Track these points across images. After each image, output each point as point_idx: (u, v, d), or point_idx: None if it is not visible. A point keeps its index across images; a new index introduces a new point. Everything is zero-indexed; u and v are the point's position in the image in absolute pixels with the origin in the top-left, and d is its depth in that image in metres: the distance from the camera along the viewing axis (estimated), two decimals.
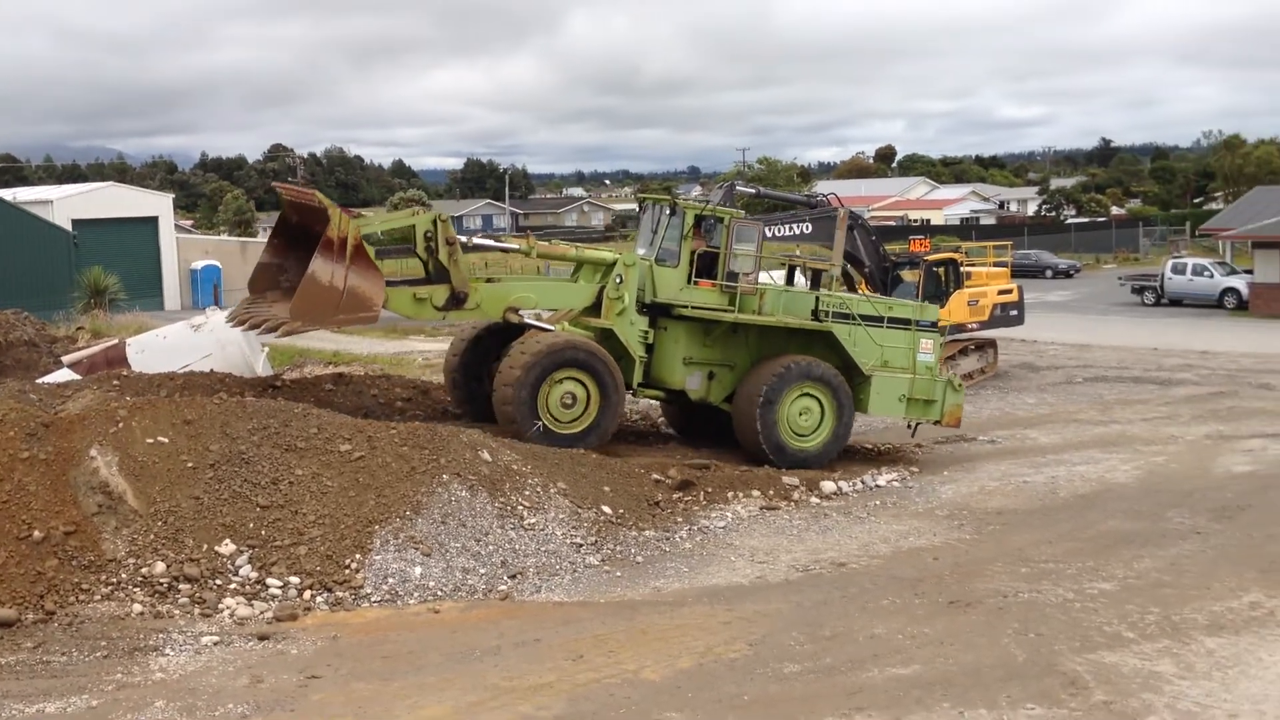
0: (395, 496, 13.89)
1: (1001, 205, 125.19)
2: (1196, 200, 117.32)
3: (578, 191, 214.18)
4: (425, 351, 37.61)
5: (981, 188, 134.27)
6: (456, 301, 18.09)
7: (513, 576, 13.53)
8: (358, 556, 13.11)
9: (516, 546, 13.99)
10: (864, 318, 19.63)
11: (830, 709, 9.84)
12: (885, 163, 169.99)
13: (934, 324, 20.39)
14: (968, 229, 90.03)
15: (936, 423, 20.29)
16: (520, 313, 18.53)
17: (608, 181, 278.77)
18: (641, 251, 19.68)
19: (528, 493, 14.89)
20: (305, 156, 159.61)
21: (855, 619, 12.15)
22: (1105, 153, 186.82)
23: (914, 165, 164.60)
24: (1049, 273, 66.34)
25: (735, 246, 19.27)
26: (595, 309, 19.08)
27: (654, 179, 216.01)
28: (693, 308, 19.07)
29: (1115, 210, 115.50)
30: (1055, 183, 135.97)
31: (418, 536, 13.51)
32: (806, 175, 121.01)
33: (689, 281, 19.23)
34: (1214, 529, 15.39)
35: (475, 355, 19.73)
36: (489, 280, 18.77)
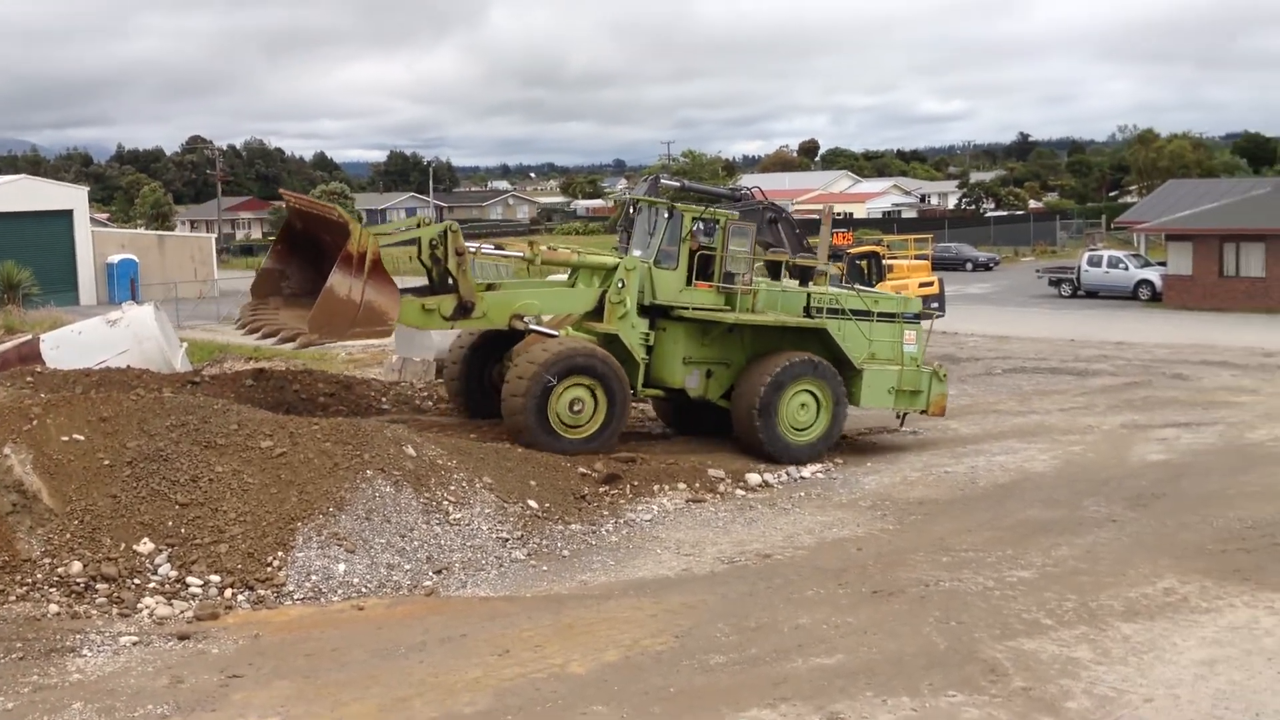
0: (318, 493, 13.74)
1: (923, 199, 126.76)
2: (1112, 194, 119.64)
3: (503, 185, 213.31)
4: (349, 346, 37.22)
5: (903, 181, 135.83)
6: (464, 311, 18.35)
7: (438, 572, 13.46)
8: (280, 554, 12.95)
9: (442, 542, 13.91)
10: (854, 312, 20.09)
11: (755, 699, 9.91)
12: (809, 156, 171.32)
13: (917, 316, 20.89)
14: (890, 222, 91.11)
15: (923, 412, 20.83)
16: (525, 319, 18.80)
17: (533, 175, 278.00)
18: (638, 254, 19.83)
19: (453, 487, 14.81)
20: (224, 149, 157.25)
21: (780, 610, 12.24)
22: (1023, 147, 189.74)
23: (837, 159, 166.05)
24: (969, 265, 67.29)
25: (731, 247, 19.64)
26: (596, 313, 19.34)
27: (580, 172, 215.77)
28: (693, 309, 19.39)
29: (1033, 204, 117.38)
30: (975, 177, 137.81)
31: (341, 533, 13.39)
32: (731, 169, 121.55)
33: (688, 283, 19.53)
34: (1129, 517, 15.71)
35: (477, 361, 20.11)
36: (489, 288, 19.02)
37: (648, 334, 19.41)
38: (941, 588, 12.85)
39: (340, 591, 12.76)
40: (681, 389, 19.80)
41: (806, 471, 18.66)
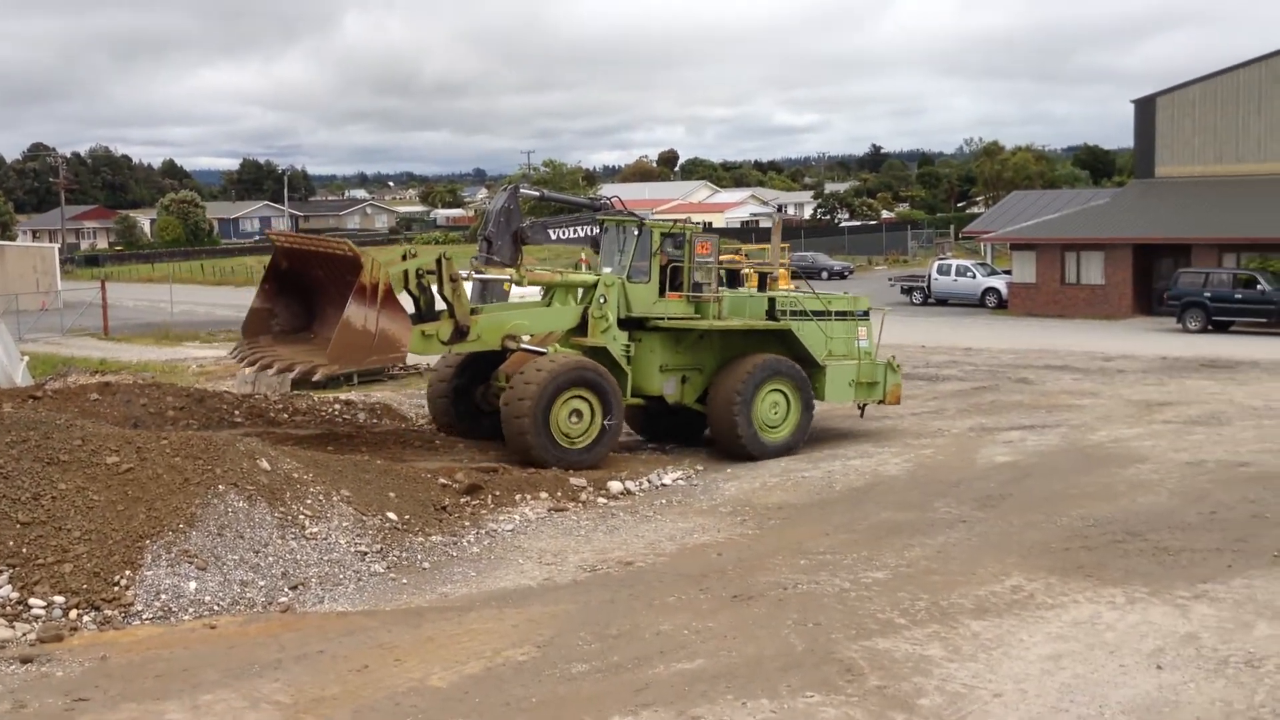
0: (167, 509, 13.34)
1: (780, 209, 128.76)
2: (960, 204, 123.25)
3: (360, 193, 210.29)
4: (200, 358, 36.30)
5: (760, 191, 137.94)
6: (460, 335, 18.99)
7: (294, 588, 13.18)
8: (127, 573, 12.54)
9: (298, 557, 13.64)
10: (813, 313, 21.52)
11: (617, 707, 9.93)
12: (668, 166, 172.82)
13: (866, 313, 22.48)
14: (748, 232, 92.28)
15: (880, 402, 22.51)
16: (518, 339, 19.53)
17: (391, 184, 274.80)
18: (608, 270, 20.77)
19: (309, 501, 14.53)
20: (69, 156, 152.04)
21: (642, 616, 12.29)
22: (876, 159, 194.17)
23: (696, 169, 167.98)
24: (825, 274, 68.58)
25: (696, 258, 20.74)
26: (579, 329, 20.20)
27: (439, 181, 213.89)
28: (669, 319, 20.44)
29: (885, 214, 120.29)
30: (830, 187, 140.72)
31: (192, 550, 13.02)
32: (592, 178, 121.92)
33: (660, 295, 20.53)
34: (978, 517, 16.16)
35: (464, 381, 20.69)
36: (473, 311, 19.36)
37: (628, 345, 20.37)
38: (799, 590, 13.05)
39: (191, 610, 12.41)
40: (660, 396, 20.82)
41: (668, 479, 18.80)
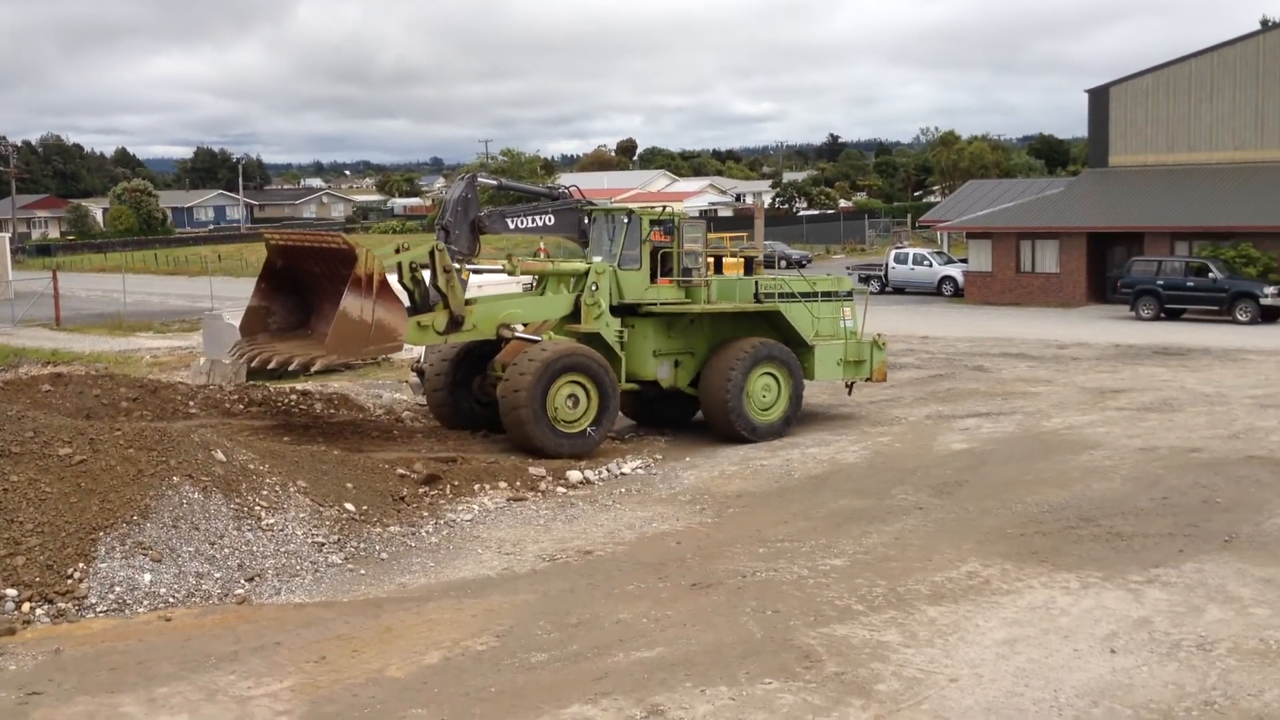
0: (121, 501, 13.21)
1: (738, 198, 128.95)
2: (917, 193, 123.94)
3: (316, 182, 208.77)
4: (154, 349, 35.93)
5: (719, 181, 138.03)
6: (455, 325, 19.23)
7: (250, 579, 13.09)
8: (81, 565, 12.41)
9: (254, 548, 13.54)
10: (801, 294, 22.06)
11: (577, 695, 9.94)
12: (627, 156, 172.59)
13: (850, 293, 23.26)
14: (707, 220, 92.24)
15: (868, 379, 23.11)
16: (512, 328, 19.85)
17: (348, 172, 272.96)
18: (598, 259, 21.06)
19: (265, 492, 14.43)
20: (19, 145, 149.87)
21: (601, 605, 12.30)
22: (834, 148, 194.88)
23: (654, 158, 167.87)
24: (783, 263, 68.71)
25: (686, 244, 21.15)
26: (572, 317, 20.53)
27: (396, 170, 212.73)
28: (661, 304, 20.81)
29: (843, 203, 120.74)
30: (788, 176, 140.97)
31: (146, 542, 12.90)
32: (550, 168, 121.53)
33: (651, 281, 20.87)
34: (934, 504, 16.28)
35: (462, 373, 20.78)
36: (468, 301, 19.59)
37: (621, 331, 20.72)
38: (758, 578, 13.10)
39: (146, 602, 12.30)
40: (654, 380, 21.24)
41: (627, 468, 18.81)
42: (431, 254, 19.15)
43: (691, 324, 21.35)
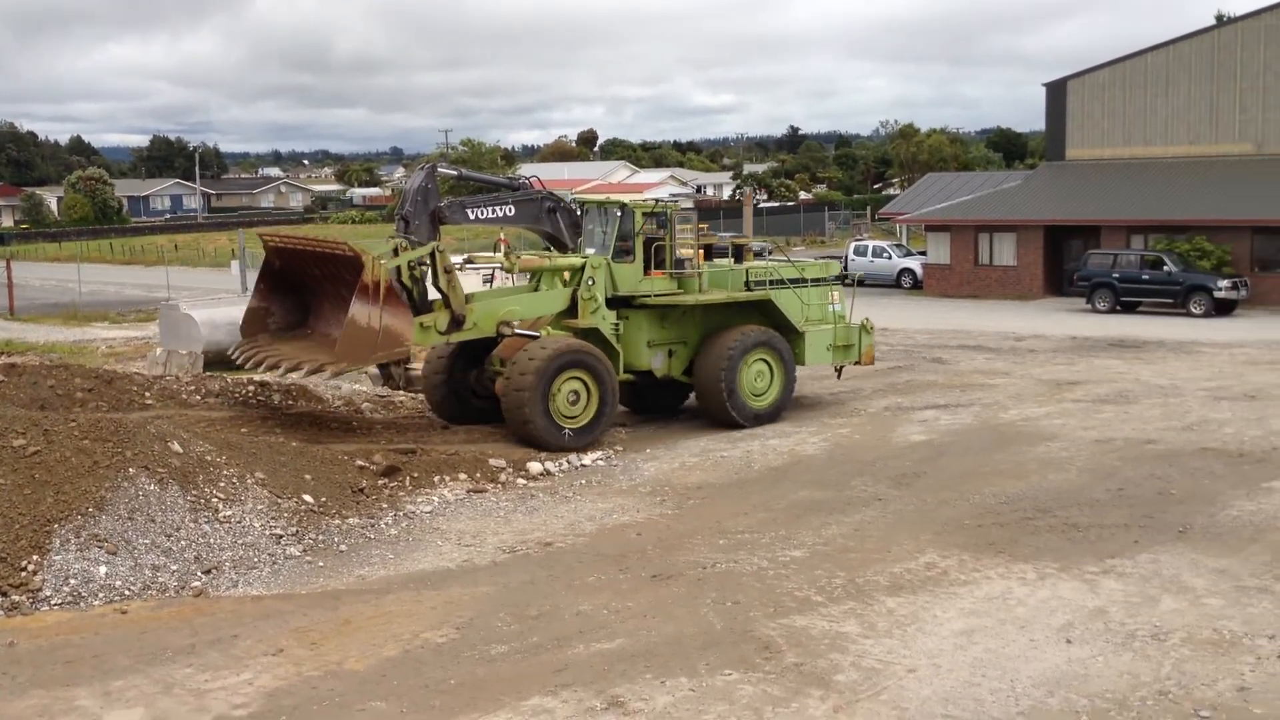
0: (76, 493, 13.07)
1: (699, 189, 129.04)
2: (876, 186, 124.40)
3: (275, 171, 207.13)
4: (109, 339, 35.57)
5: (680, 172, 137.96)
6: (457, 324, 19.49)
7: (207, 572, 12.99)
8: (35, 558, 12.27)
9: (211, 540, 13.44)
10: (790, 281, 22.50)
11: (537, 687, 9.93)
12: (588, 146, 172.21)
13: (839, 278, 23.86)
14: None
15: (856, 363, 23.60)
16: (511, 324, 20.03)
17: (306, 162, 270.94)
18: (591, 251, 21.37)
19: (223, 484, 14.32)
20: None
21: (561, 597, 12.30)
22: (794, 140, 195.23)
23: (615, 149, 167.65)
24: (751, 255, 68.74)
25: (678, 235, 21.57)
26: (569, 311, 20.75)
27: (355, 159, 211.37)
28: (655, 296, 21.13)
29: (803, 195, 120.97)
30: (748, 168, 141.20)
31: (102, 534, 12.77)
32: (510, 158, 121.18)
33: (645, 273, 21.23)
34: (893, 495, 16.38)
35: (459, 368, 20.98)
36: (468, 299, 19.86)
37: (616, 324, 20.97)
38: (718, 569, 13.14)
39: (102, 595, 12.18)
40: (649, 370, 21.54)
41: (587, 459, 18.80)
42: (432, 254, 19.35)
43: (684, 314, 21.69)
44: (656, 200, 22.65)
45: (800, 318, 22.43)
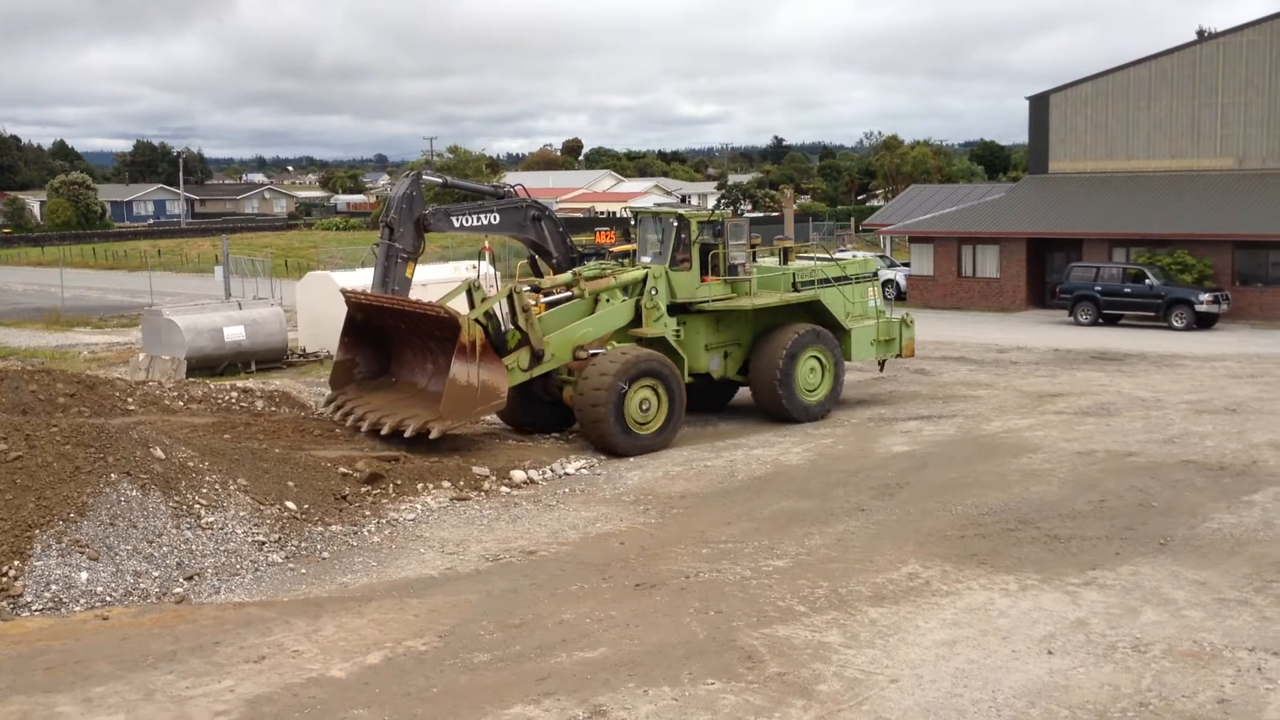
0: (58, 498, 13.02)
1: (684, 199, 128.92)
2: (860, 197, 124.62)
3: (259, 177, 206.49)
4: (92, 344, 35.43)
5: (664, 182, 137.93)
6: (537, 359, 20.27)
7: (189, 578, 12.95)
8: (16, 563, 12.22)
9: (193, 547, 13.40)
10: (834, 280, 23.72)
11: (519, 696, 9.92)
12: (573, 155, 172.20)
13: (875, 274, 25.15)
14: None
15: (898, 355, 24.97)
16: (585, 347, 20.81)
17: (290, 168, 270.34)
18: (645, 260, 22.47)
19: (205, 490, 14.28)
20: None
21: (544, 605, 12.29)
22: (778, 151, 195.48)
23: (600, 158, 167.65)
24: None
25: (731, 243, 22.43)
26: (633, 322, 21.64)
27: (340, 166, 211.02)
28: (712, 301, 22.15)
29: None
30: (733, 178, 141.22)
31: (83, 540, 12.72)
32: (495, 166, 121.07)
33: (701, 280, 22.20)
34: (876, 506, 16.41)
35: (539, 381, 21.17)
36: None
37: (678, 330, 22.01)
38: (701, 579, 13.14)
39: (83, 601, 12.13)
40: (707, 373, 22.61)
41: (571, 468, 18.80)
42: (510, 296, 19.99)
43: (737, 317, 22.75)
44: (712, 209, 23.52)
45: (845, 315, 23.57)
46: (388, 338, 21.19)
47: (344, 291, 21.68)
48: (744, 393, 23.98)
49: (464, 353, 18.73)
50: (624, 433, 19.75)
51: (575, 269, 22.31)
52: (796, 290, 23.14)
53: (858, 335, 23.79)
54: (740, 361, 22.98)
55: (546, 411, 21.64)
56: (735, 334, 22.92)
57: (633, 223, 23.05)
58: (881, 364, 25.68)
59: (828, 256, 26.62)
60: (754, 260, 23.47)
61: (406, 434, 18.64)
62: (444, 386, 18.81)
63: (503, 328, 20.14)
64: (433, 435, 18.47)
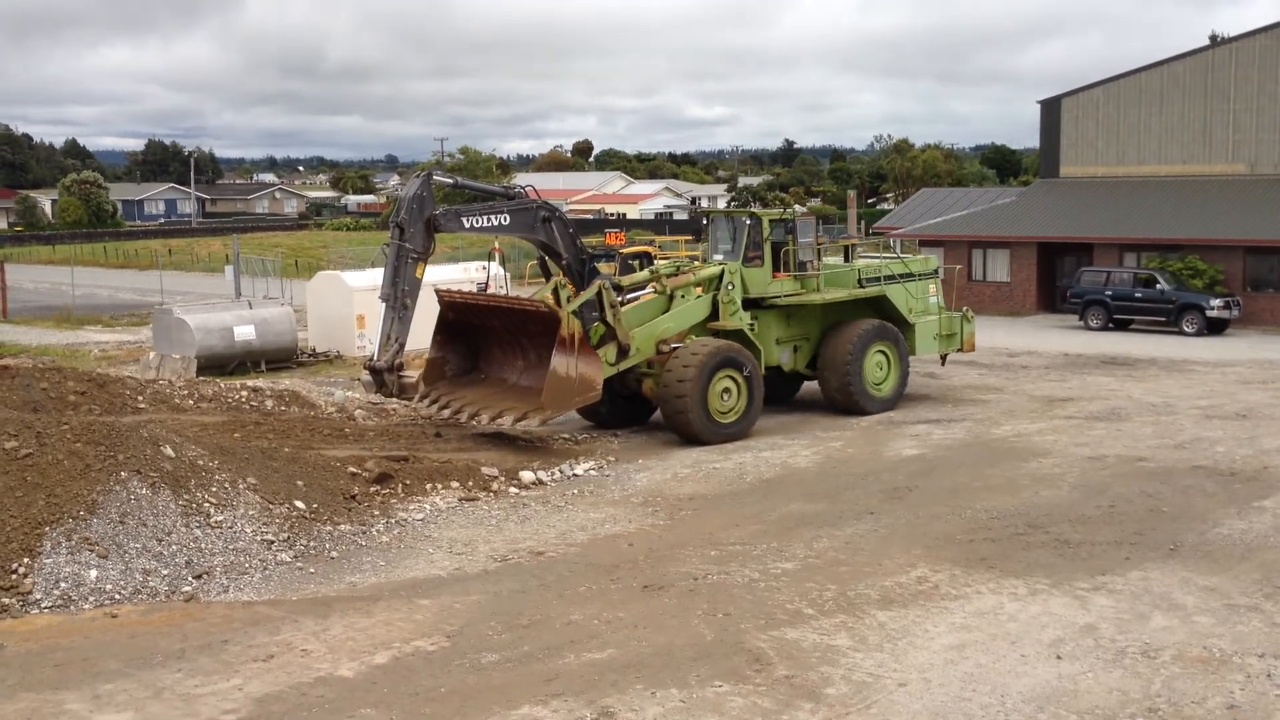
0: (68, 495, 13.05)
1: (693, 201, 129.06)
2: (870, 200, 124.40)
3: (270, 177, 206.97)
4: (102, 342, 35.53)
5: (674, 184, 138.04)
6: (624, 353, 21.15)
7: (198, 577, 12.97)
8: (26, 560, 12.25)
9: (202, 545, 13.42)
10: (900, 276, 24.52)
11: (527, 696, 9.92)
12: (583, 157, 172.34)
13: (935, 272, 25.81)
14: (662, 223, 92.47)
15: (960, 350, 25.84)
16: (668, 340, 21.64)
17: (301, 168, 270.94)
18: (717, 258, 23.28)
19: (215, 489, 14.30)
20: None
21: (553, 606, 12.29)
22: (789, 153, 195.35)
23: (610, 160, 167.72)
24: None
25: (800, 240, 23.38)
26: (710, 316, 22.39)
27: (351, 167, 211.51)
28: (784, 297, 23.08)
29: (799, 209, 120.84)
30: (743, 180, 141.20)
31: (93, 537, 12.75)
32: (506, 167, 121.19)
33: (772, 276, 23.02)
34: (885, 509, 16.39)
35: (616, 375, 21.64)
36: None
37: (752, 324, 22.72)
38: (710, 581, 13.13)
39: (92, 599, 12.15)
40: (778, 366, 23.46)
41: (580, 469, 18.80)
42: (599, 292, 20.70)
43: (807, 311, 23.59)
44: (783, 209, 24.46)
45: (908, 310, 24.33)
46: (476, 335, 21.93)
47: (438, 291, 22.27)
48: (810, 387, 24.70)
49: (564, 346, 19.40)
50: (708, 421, 20.51)
51: (651, 268, 23.04)
52: (862, 286, 23.84)
53: (921, 330, 24.55)
54: (809, 355, 23.81)
55: (623, 405, 22.26)
56: (805, 329, 23.72)
57: (705, 222, 23.47)
58: (943, 358, 26.43)
59: (892, 255, 27.71)
60: (820, 257, 24.06)
61: (506, 425, 19.42)
62: (545, 378, 19.45)
63: (586, 325, 20.58)
64: (532, 424, 19.27)
